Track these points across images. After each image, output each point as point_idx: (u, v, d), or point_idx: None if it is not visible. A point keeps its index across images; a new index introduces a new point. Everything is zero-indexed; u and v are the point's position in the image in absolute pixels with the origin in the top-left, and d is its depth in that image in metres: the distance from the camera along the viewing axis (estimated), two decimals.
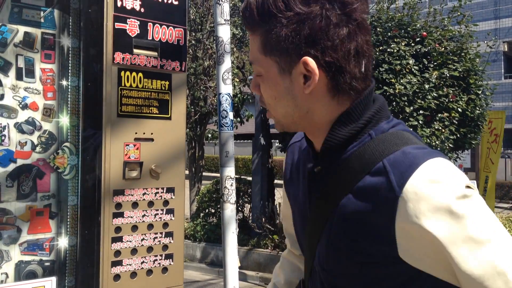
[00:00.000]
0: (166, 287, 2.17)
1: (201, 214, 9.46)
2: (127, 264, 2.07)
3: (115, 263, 2.04)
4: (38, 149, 2.02)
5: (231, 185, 2.95)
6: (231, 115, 2.94)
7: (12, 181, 1.96)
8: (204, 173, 12.19)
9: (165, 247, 2.19)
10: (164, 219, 2.18)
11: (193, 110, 9.59)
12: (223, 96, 2.93)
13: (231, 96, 2.94)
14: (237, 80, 10.19)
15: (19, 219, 1.96)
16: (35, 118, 2.02)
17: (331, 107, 0.99)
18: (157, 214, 2.16)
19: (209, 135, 10.92)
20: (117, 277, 2.04)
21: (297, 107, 0.99)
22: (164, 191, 2.19)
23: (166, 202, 2.20)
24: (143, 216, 2.13)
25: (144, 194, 2.13)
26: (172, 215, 2.21)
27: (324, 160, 1.03)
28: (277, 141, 10.51)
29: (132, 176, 2.10)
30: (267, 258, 8.34)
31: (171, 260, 2.19)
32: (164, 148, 2.19)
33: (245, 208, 9.55)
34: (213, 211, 9.71)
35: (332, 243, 1.01)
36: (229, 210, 2.93)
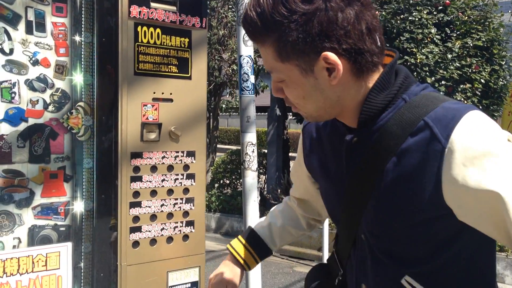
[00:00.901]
0: (187, 255, 2.06)
1: (216, 185, 9.40)
2: (147, 231, 1.96)
3: (134, 229, 1.93)
4: (50, 108, 1.90)
5: (253, 151, 2.82)
6: (252, 78, 2.79)
7: (24, 141, 1.84)
8: (217, 145, 12.13)
9: (185, 213, 2.07)
10: (184, 184, 2.06)
11: (207, 80, 9.44)
12: (244, 59, 2.77)
13: (253, 59, 2.79)
14: None
15: (31, 181, 1.85)
16: (47, 75, 1.89)
17: (360, 87, 1.00)
18: (177, 179, 2.04)
19: (223, 106, 10.76)
20: (136, 243, 1.94)
21: (327, 99, 0.99)
22: (184, 155, 2.06)
23: (186, 167, 2.07)
24: (162, 180, 2.01)
25: (163, 157, 2.01)
26: (192, 180, 2.08)
27: (362, 131, 1.03)
28: (290, 113, 10.36)
29: (151, 138, 1.97)
30: None
31: (192, 227, 2.08)
32: (184, 109, 2.05)
33: (260, 179, 9.47)
34: (227, 182, 9.67)
35: (382, 208, 1.00)
36: (251, 177, 2.80)
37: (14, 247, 1.79)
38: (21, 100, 1.83)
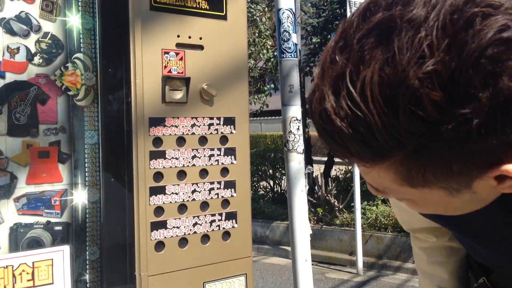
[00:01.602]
0: (229, 259, 1.51)
1: None
2: (174, 227, 1.41)
3: (156, 225, 1.38)
4: (36, 60, 1.37)
5: (298, 129, 2.26)
6: (294, 37, 2.24)
7: (0, 105, 1.31)
8: None
9: (225, 202, 1.52)
10: (222, 163, 1.52)
11: None
12: (283, 13, 2.23)
13: (294, 12, 2.24)
14: (270, 44, 9.47)
15: (12, 161, 1.32)
16: (30, 13, 1.36)
17: None
18: (213, 155, 1.50)
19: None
20: (160, 245, 1.39)
21: (478, 202, 0.70)
22: (221, 122, 1.52)
23: (224, 139, 1.53)
24: (193, 157, 1.46)
25: (193, 125, 1.46)
26: (232, 157, 1.54)
27: None
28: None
29: (176, 98, 1.43)
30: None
31: (234, 221, 1.53)
32: (219, 60, 1.51)
33: (282, 181, 8.93)
34: None
35: None
36: (296, 161, 2.25)
37: None
38: None
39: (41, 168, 1.35)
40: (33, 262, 1.21)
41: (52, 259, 1.24)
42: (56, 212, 1.38)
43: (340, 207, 7.92)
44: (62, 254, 1.26)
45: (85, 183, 1.42)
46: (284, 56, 2.24)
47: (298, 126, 2.27)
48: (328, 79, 0.55)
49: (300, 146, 2.26)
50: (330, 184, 8.61)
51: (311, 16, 8.90)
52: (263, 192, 9.26)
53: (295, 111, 2.27)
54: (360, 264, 6.74)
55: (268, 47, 9.42)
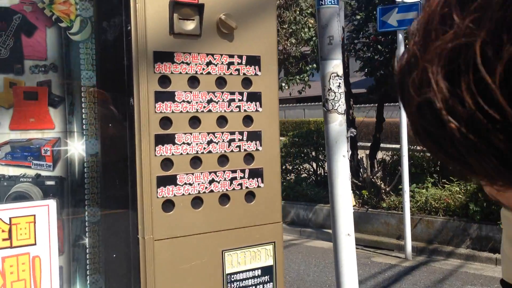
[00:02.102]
0: (254, 224, 1.26)
1: None
2: (185, 184, 1.18)
3: (163, 181, 1.15)
4: None
5: (339, 86, 1.98)
6: None
7: None
8: None
9: (248, 157, 1.27)
10: (245, 110, 1.26)
11: None
12: None
13: None
14: (311, 21, 9.11)
15: None
16: None
17: None
18: (232, 100, 1.24)
19: (283, 84, 9.90)
20: (168, 204, 1.15)
21: None
22: (243, 62, 1.26)
23: (247, 81, 1.27)
24: (209, 102, 1.21)
25: (208, 63, 1.21)
26: (257, 103, 1.28)
27: None
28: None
29: (187, 29, 1.18)
30: (355, 216, 7.37)
31: (260, 179, 1.28)
32: None
33: (325, 164, 8.62)
34: (290, 167, 8.88)
35: None
36: (337, 123, 1.97)
37: None
38: None
39: (27, 111, 1.14)
40: (10, 218, 0.99)
41: (34, 216, 1.02)
42: (47, 164, 1.17)
43: (387, 189, 7.55)
44: (47, 210, 1.04)
45: (82, 132, 1.20)
46: (323, 3, 1.96)
47: (339, 83, 1.98)
48: (435, 52, 0.33)
49: (342, 106, 1.98)
50: (376, 166, 8.25)
51: None
52: (305, 174, 8.99)
53: (335, 66, 1.98)
54: (409, 248, 6.38)
55: (310, 25, 9.07)
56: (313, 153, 9.00)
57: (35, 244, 1.02)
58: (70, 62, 1.20)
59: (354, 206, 2.13)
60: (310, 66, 10.04)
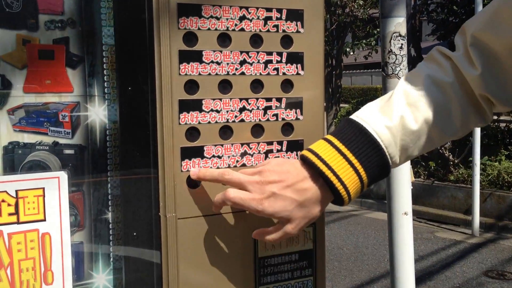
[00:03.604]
0: None
1: None
2: (214, 156, 1.04)
3: (189, 152, 1.02)
4: None
5: (401, 47, 1.76)
6: None
7: None
8: (341, 104, 10.84)
9: (287, 127, 1.11)
10: (283, 72, 1.10)
11: (328, 19, 8.29)
12: None
13: None
14: None
15: (3, 61, 1.01)
16: None
17: None
18: (270, 61, 1.08)
19: (347, 49, 9.51)
20: (193, 179, 1.03)
21: None
22: (283, 16, 1.09)
23: (287, 40, 1.10)
24: (242, 63, 1.06)
25: (242, 18, 1.05)
26: (299, 66, 1.11)
27: None
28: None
29: None
30: (419, 188, 7.05)
31: (299, 153, 1.12)
32: None
33: None
34: None
35: None
36: None
37: None
38: None
39: (43, 72, 1.04)
40: (16, 191, 0.90)
41: (43, 189, 0.93)
42: (65, 131, 1.07)
43: (456, 161, 7.13)
44: (57, 183, 0.94)
45: (104, 96, 1.09)
46: None
47: (402, 44, 1.76)
48: None
49: (403, 70, 1.77)
50: None
51: None
52: None
53: (398, 24, 1.76)
54: (476, 224, 6.03)
55: None
56: None
57: (44, 220, 0.92)
58: (90, 17, 1.08)
59: (413, 181, 1.92)
60: (378, 29, 9.58)
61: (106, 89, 1.09)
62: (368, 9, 9.32)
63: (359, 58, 10.00)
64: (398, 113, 0.93)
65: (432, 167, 7.22)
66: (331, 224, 6.72)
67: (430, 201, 7.06)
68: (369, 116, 0.95)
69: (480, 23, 0.94)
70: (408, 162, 1.80)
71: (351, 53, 9.29)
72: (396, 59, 1.76)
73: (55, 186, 0.93)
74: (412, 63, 8.15)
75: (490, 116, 0.99)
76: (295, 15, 1.10)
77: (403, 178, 1.76)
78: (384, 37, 1.78)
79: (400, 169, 1.75)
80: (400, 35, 1.76)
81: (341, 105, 10.53)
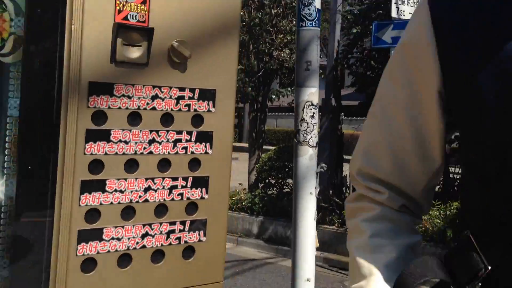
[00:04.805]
0: (191, 286, 1.10)
1: (260, 185, 8.45)
2: (113, 239, 1.01)
3: (87, 235, 0.98)
4: None
5: (312, 116, 1.83)
6: (317, 2, 1.80)
7: None
8: (264, 147, 11.04)
9: (192, 206, 1.11)
10: (192, 151, 1.10)
11: (256, 65, 8.48)
12: None
13: None
14: None
15: None
16: None
17: None
18: (179, 140, 1.08)
19: (273, 96, 9.73)
20: (89, 263, 0.99)
21: None
22: (196, 96, 1.10)
23: (198, 119, 1.11)
24: (151, 142, 1.05)
25: (154, 97, 1.05)
26: (208, 144, 1.12)
27: None
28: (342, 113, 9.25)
29: (132, 57, 1.02)
30: (332, 236, 7.23)
31: (202, 233, 1.12)
32: (200, 8, 1.09)
33: None
34: (273, 181, 8.69)
35: None
36: (307, 156, 1.82)
37: None
38: None
39: None
40: None
41: None
42: None
43: None
44: None
45: (3, 171, 1.04)
46: (303, 25, 1.81)
47: (313, 113, 1.83)
48: None
49: (313, 138, 1.83)
50: None
51: (352, 4, 8.37)
52: (288, 189, 8.82)
53: (311, 94, 1.83)
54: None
55: None
56: None
57: None
58: None
59: (317, 247, 1.95)
60: None
61: (5, 164, 1.04)
62: (294, 58, 9.69)
63: (283, 104, 10.28)
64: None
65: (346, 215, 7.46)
66: (246, 273, 6.69)
67: (342, 249, 7.25)
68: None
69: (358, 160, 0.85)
70: (314, 228, 1.84)
71: (276, 100, 9.52)
72: (308, 127, 1.82)
73: None
74: (332, 112, 8.45)
75: (426, 212, 0.89)
76: (207, 95, 1.12)
77: (308, 245, 1.80)
78: (297, 106, 1.85)
79: (306, 236, 1.79)
80: (312, 104, 1.83)
81: (264, 146, 10.77)
